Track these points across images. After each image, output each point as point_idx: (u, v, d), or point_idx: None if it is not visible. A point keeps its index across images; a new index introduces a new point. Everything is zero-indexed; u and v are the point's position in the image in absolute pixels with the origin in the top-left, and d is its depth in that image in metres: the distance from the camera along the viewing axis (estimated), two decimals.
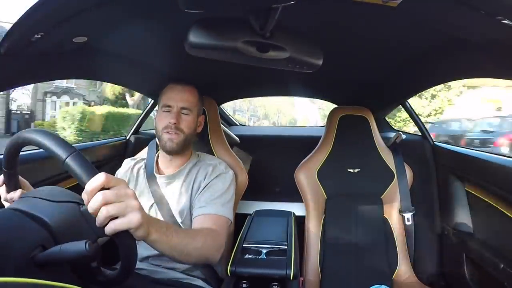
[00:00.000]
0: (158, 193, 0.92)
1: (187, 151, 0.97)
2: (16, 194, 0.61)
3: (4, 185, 0.62)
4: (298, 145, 1.52)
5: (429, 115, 9.76)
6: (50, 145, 0.49)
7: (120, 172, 1.02)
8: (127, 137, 1.56)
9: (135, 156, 1.11)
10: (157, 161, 1.00)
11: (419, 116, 1.51)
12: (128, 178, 0.98)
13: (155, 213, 0.91)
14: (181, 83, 0.96)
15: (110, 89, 10.96)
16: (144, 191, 0.94)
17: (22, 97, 12.17)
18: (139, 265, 0.86)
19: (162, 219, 0.89)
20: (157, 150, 1.04)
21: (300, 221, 1.26)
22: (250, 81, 1.40)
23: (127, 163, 1.04)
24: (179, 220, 0.90)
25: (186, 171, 0.95)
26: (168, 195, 0.92)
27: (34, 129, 0.53)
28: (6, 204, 0.63)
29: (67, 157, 0.48)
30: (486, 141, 6.46)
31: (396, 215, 1.24)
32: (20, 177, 0.65)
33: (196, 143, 1.16)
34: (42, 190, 0.57)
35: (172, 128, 0.89)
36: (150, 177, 0.95)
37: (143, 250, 0.89)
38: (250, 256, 0.87)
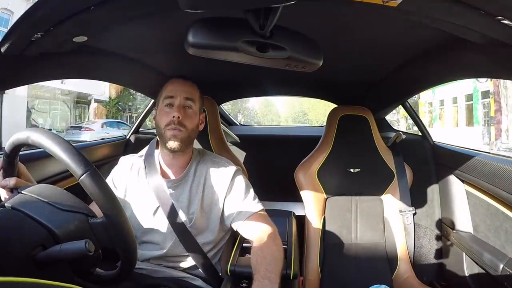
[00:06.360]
0: (163, 196, 0.88)
1: (189, 148, 0.93)
2: (11, 182, 0.60)
3: (1, 170, 0.61)
4: (298, 145, 1.52)
5: None
6: (67, 159, 0.49)
7: (117, 171, 0.96)
8: (127, 137, 1.56)
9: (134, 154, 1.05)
10: (158, 160, 0.95)
11: None
12: (128, 179, 0.93)
13: (160, 216, 0.88)
14: (183, 78, 0.94)
15: None
16: (147, 193, 0.90)
17: None
18: (139, 264, 0.86)
19: (167, 222, 0.87)
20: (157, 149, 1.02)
21: (300, 221, 1.25)
22: (250, 81, 1.40)
23: (124, 161, 0.98)
24: (187, 224, 0.87)
25: (192, 172, 0.92)
26: (175, 199, 0.88)
27: (49, 134, 0.52)
28: (1, 191, 0.62)
29: (83, 174, 0.48)
30: None
31: (396, 215, 1.24)
32: (22, 166, 0.65)
33: (196, 143, 1.16)
34: (48, 192, 0.56)
35: (176, 123, 0.85)
36: (153, 178, 0.90)
37: (144, 251, 0.89)
38: (250, 255, 0.87)
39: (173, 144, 0.85)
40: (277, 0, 0.44)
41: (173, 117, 0.85)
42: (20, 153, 0.60)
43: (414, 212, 1.24)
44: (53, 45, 0.67)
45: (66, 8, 0.54)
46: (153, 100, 1.49)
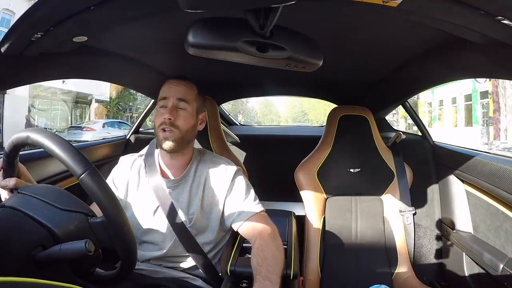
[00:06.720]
0: (163, 196, 0.88)
1: (187, 149, 0.92)
2: (11, 182, 0.60)
3: (1, 171, 0.61)
4: (298, 145, 1.52)
5: None
6: (66, 158, 0.49)
7: (118, 170, 0.96)
8: (127, 137, 1.56)
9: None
10: (158, 160, 0.96)
11: None
12: (128, 178, 0.93)
13: (160, 216, 0.88)
14: (179, 78, 0.92)
15: None
16: (147, 192, 0.90)
17: None
18: (139, 265, 0.86)
19: (166, 222, 0.87)
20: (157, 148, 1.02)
21: (300, 221, 1.26)
22: (250, 81, 1.40)
23: (125, 160, 0.98)
24: (187, 224, 0.88)
25: (192, 172, 0.92)
26: (174, 199, 0.89)
27: (49, 134, 0.52)
28: (1, 191, 0.62)
29: (82, 173, 0.48)
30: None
31: (396, 215, 1.24)
32: (22, 167, 0.65)
33: (196, 143, 1.16)
34: (47, 192, 0.56)
35: (167, 124, 0.85)
36: (153, 178, 0.90)
37: (144, 252, 0.89)
38: (250, 256, 0.87)
39: (166, 145, 0.85)
40: (277, 0, 0.44)
41: (164, 118, 0.85)
42: (20, 153, 0.60)
43: (414, 212, 1.24)
44: (53, 45, 0.67)
45: (66, 8, 0.54)
46: (153, 100, 1.49)
